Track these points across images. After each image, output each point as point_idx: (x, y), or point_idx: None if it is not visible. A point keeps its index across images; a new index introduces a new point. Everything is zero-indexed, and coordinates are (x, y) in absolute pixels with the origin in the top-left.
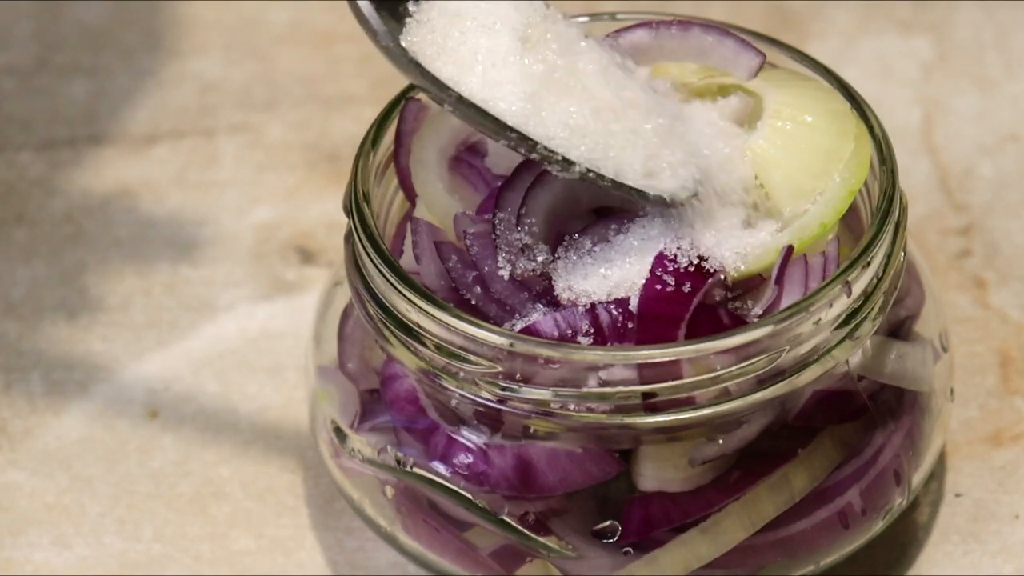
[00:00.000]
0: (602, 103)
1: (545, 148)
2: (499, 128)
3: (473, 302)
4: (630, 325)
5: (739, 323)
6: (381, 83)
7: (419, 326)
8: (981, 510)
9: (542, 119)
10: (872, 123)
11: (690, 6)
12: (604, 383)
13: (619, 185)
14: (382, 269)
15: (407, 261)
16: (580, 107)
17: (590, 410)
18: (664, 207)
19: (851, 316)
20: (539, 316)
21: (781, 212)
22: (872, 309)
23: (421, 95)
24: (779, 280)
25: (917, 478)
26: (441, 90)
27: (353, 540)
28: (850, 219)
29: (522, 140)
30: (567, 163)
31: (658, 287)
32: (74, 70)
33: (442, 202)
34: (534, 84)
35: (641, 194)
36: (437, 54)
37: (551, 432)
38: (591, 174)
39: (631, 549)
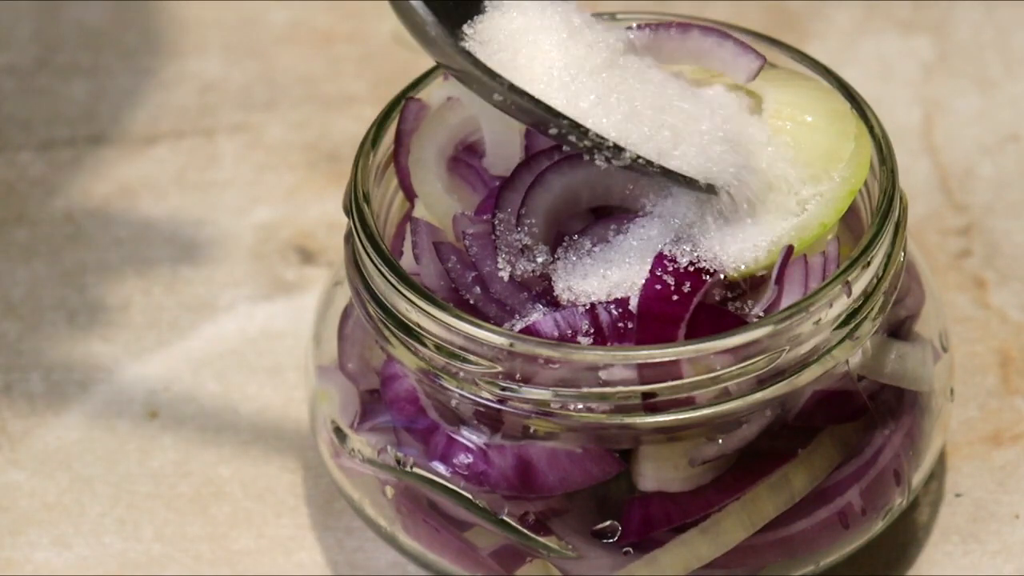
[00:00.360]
0: (653, 96)
1: (597, 135)
2: (551, 116)
3: (473, 302)
4: (630, 325)
5: (739, 323)
6: (381, 83)
7: (419, 326)
8: (981, 510)
9: (596, 114)
10: (872, 123)
11: (690, 6)
12: (604, 383)
13: (668, 172)
14: (382, 269)
15: (407, 261)
16: (632, 101)
17: (590, 410)
18: (711, 194)
19: (851, 316)
20: (539, 316)
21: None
22: (872, 309)
23: (421, 95)
24: (779, 280)
25: (917, 478)
26: (492, 78)
27: (353, 540)
28: (850, 219)
29: (573, 127)
30: (618, 150)
31: (658, 287)
32: (74, 70)
33: (441, 202)
34: (594, 84)
35: (690, 182)
36: (511, 71)
37: (551, 432)
38: (640, 160)
39: (631, 549)
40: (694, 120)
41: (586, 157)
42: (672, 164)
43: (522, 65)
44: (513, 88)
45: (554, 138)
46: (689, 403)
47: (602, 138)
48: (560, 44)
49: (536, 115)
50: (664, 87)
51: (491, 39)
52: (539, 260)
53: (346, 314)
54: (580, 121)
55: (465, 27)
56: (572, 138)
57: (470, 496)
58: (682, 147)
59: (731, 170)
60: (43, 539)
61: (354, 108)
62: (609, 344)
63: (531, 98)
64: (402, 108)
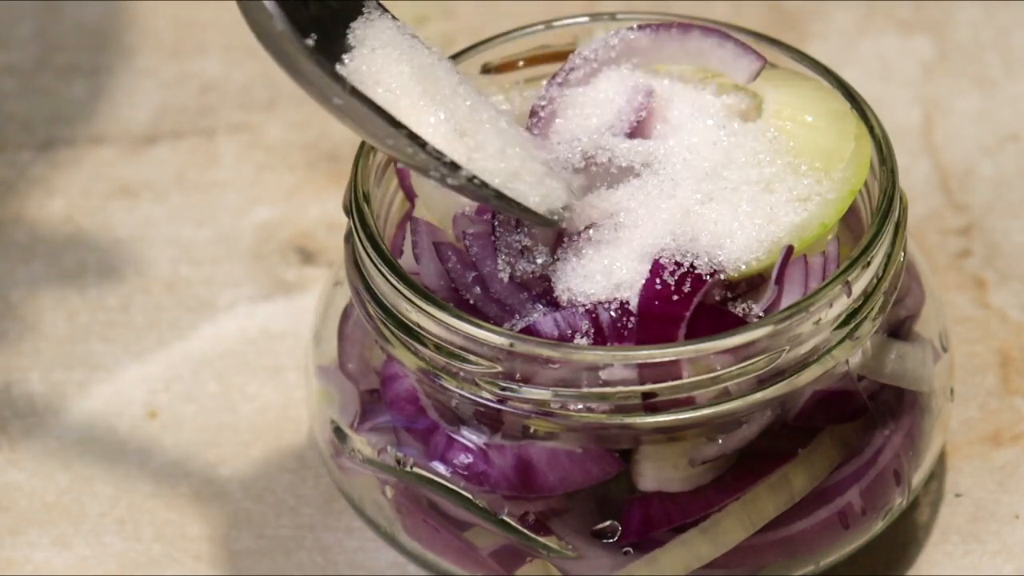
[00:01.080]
0: (496, 127)
1: (434, 150)
2: (390, 124)
3: (473, 302)
4: (630, 325)
5: (739, 323)
6: None
7: (419, 326)
8: (981, 510)
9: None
10: (872, 123)
11: (690, 6)
12: (604, 383)
13: (501, 196)
14: (382, 269)
15: (407, 261)
16: (477, 129)
17: (590, 410)
18: (545, 225)
19: (851, 316)
20: (539, 316)
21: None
22: (872, 309)
23: None
24: (779, 280)
25: (917, 478)
26: (335, 80)
27: (353, 540)
28: (850, 219)
29: (411, 139)
30: (453, 167)
31: (658, 287)
32: (74, 70)
33: (441, 202)
34: (452, 117)
35: (524, 210)
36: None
37: (551, 432)
38: (476, 181)
39: (631, 549)
40: (531, 154)
41: (419, 175)
42: (509, 191)
43: (404, 107)
44: (355, 92)
45: (390, 151)
46: (689, 403)
47: (440, 153)
48: (418, 74)
49: (375, 124)
50: (505, 120)
51: (367, 79)
52: (539, 261)
53: (346, 314)
54: (426, 138)
55: (345, 58)
56: (409, 151)
57: (470, 496)
58: (519, 175)
59: (563, 204)
60: (43, 539)
61: None
62: (609, 344)
63: (371, 104)
64: None
